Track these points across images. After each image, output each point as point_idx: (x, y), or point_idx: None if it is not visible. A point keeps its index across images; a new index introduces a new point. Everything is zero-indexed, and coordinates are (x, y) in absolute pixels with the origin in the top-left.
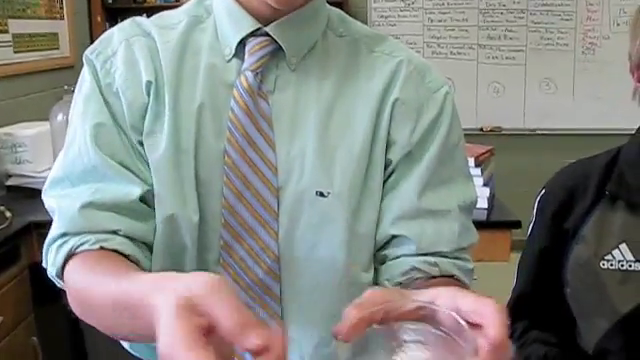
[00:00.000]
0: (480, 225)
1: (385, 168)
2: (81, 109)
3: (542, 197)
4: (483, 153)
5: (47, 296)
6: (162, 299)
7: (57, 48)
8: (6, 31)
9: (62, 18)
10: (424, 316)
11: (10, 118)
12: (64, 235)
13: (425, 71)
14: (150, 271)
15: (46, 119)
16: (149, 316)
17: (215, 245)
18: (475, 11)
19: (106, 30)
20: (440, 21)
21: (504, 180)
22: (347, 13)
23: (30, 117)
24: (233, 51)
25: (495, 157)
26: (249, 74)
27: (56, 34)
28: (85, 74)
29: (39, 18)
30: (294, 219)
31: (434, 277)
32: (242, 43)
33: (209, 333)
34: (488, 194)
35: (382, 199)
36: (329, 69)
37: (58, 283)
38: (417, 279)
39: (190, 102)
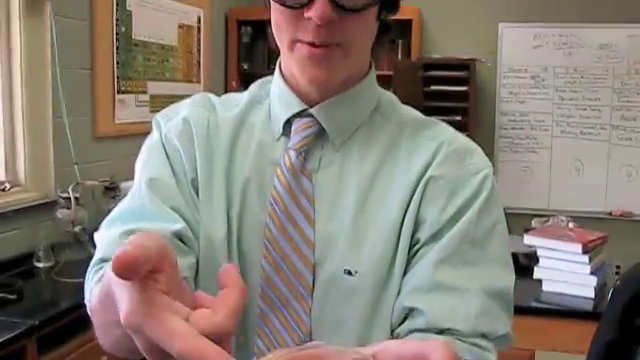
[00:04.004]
0: (585, 315)
1: (413, 246)
2: (143, 161)
3: (616, 287)
4: (593, 240)
5: None
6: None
7: None
8: (145, 92)
9: (199, 82)
10: None
11: None
12: (101, 261)
13: (466, 153)
14: None
15: None
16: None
17: (252, 313)
18: (609, 90)
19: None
20: (571, 99)
21: None
22: (476, 88)
23: None
24: (281, 130)
25: (620, 245)
26: (292, 153)
27: (191, 96)
28: (153, 132)
29: (176, 81)
30: (326, 296)
31: None
32: (289, 123)
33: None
34: (595, 283)
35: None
36: (371, 149)
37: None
38: None
39: (239, 175)
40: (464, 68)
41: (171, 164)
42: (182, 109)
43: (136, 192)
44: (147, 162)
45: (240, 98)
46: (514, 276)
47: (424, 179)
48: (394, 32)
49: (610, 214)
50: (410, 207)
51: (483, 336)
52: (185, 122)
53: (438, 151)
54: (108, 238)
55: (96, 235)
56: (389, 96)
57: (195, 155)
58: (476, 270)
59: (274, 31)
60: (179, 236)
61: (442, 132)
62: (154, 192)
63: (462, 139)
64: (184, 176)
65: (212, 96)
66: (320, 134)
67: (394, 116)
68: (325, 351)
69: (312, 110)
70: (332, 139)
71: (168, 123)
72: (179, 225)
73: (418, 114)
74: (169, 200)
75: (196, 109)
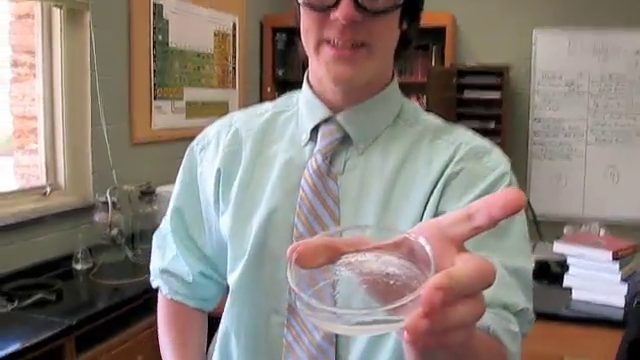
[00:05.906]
0: (615, 323)
1: None
2: (176, 183)
3: (634, 283)
4: (624, 249)
5: None
6: None
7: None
8: (181, 99)
9: (234, 88)
10: (405, 253)
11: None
12: (156, 273)
13: (484, 153)
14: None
15: None
16: None
17: (283, 309)
18: None
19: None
20: (606, 106)
21: None
22: (509, 95)
23: None
24: (308, 136)
25: None
26: (319, 157)
27: (226, 102)
28: (185, 157)
29: (212, 87)
30: None
31: None
32: (316, 129)
33: None
34: (625, 291)
35: None
36: (393, 153)
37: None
38: None
39: (267, 179)
40: (498, 74)
41: (194, 192)
42: (211, 131)
43: (164, 225)
44: (177, 186)
45: (264, 108)
46: (532, 265)
47: (443, 177)
48: (428, 38)
49: None
50: (430, 203)
51: (505, 308)
52: (216, 139)
53: (457, 151)
54: (155, 265)
55: (154, 241)
56: (413, 104)
57: (220, 176)
58: (493, 253)
59: (302, 37)
60: (203, 273)
61: (461, 135)
62: (174, 227)
63: (480, 140)
64: (205, 200)
65: (236, 113)
66: (345, 139)
67: (416, 122)
68: (365, 237)
69: (338, 117)
70: (356, 144)
71: (201, 154)
72: (201, 265)
73: (439, 121)
74: (187, 230)
75: (223, 129)
